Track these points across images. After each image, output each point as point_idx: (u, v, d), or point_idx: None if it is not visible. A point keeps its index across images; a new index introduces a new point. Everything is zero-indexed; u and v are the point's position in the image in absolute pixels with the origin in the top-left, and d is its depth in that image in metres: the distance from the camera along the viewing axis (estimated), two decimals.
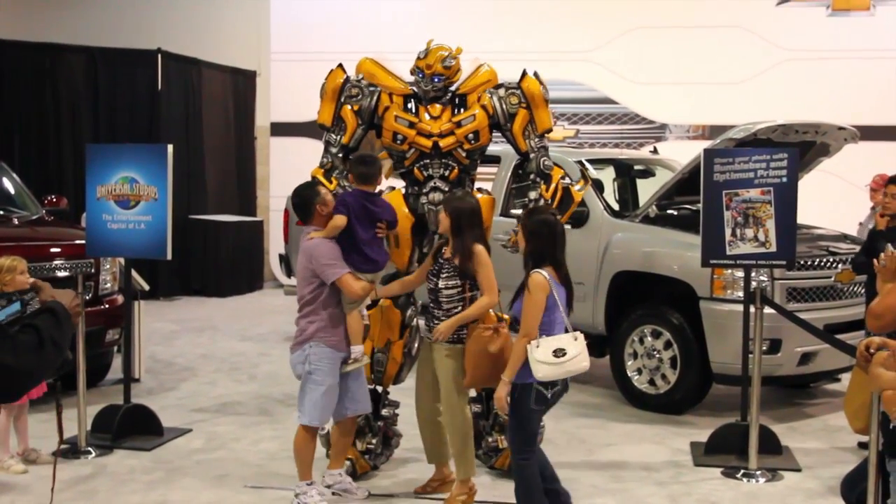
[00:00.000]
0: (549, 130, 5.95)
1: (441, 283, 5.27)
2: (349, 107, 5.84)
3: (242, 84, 15.11)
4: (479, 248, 5.23)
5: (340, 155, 5.85)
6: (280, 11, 14.83)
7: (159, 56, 13.21)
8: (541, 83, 5.86)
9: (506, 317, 5.41)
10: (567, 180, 5.97)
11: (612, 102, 13.87)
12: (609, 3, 13.79)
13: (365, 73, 5.98)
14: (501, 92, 5.86)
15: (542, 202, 5.72)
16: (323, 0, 14.72)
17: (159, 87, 13.24)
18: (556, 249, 4.83)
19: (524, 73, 5.89)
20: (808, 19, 13.26)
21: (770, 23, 13.32)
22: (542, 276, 4.71)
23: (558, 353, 4.64)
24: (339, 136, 5.86)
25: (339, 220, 5.31)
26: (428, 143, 5.71)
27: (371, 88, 5.86)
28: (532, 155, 5.88)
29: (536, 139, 5.88)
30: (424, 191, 5.76)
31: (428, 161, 5.77)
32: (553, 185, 5.82)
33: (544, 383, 4.69)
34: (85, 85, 13.06)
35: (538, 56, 12.54)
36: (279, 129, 14.94)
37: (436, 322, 5.31)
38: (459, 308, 5.26)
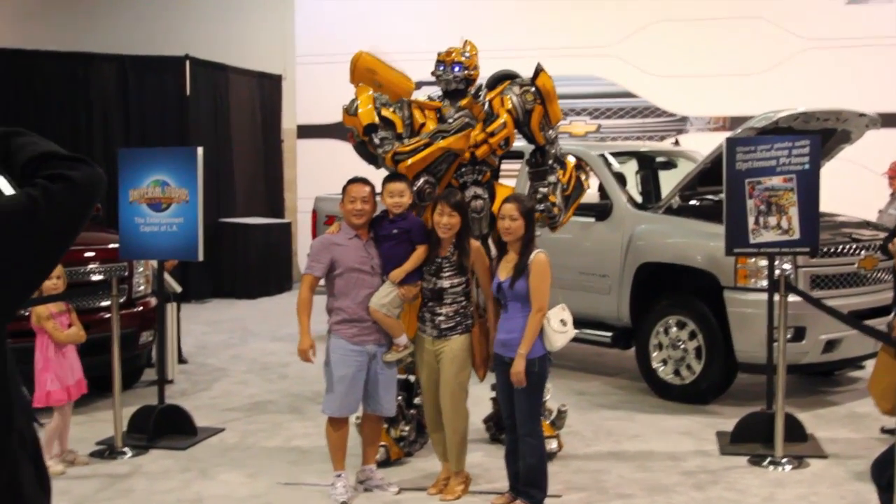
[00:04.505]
0: (560, 122, 6.24)
1: (446, 283, 5.39)
2: (388, 109, 5.91)
3: (268, 88, 15.26)
4: (477, 243, 5.52)
5: (405, 141, 5.86)
6: (304, 15, 15.00)
7: (187, 62, 13.36)
8: (549, 77, 6.07)
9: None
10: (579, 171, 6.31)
11: (632, 96, 13.91)
12: None
13: (364, 67, 6.09)
14: (517, 90, 6.01)
15: (559, 186, 6.05)
16: (346, 3, 14.86)
17: (188, 92, 13.40)
18: None
19: (538, 70, 6.03)
20: (827, 8, 13.20)
21: (788, 13, 13.28)
22: (546, 255, 5.07)
23: (564, 323, 5.05)
24: (391, 131, 5.87)
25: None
26: (466, 154, 5.85)
27: (398, 103, 5.96)
28: (547, 146, 6.12)
29: (551, 131, 6.11)
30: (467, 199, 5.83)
31: (463, 169, 5.92)
32: (569, 172, 6.16)
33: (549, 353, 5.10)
34: (116, 92, 13.25)
35: (558, 52, 12.64)
36: (305, 132, 15.11)
37: (438, 319, 5.42)
38: (464, 302, 5.44)
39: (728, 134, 7.40)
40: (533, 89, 5.98)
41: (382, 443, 5.95)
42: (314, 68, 14.62)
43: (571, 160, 6.31)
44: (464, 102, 5.88)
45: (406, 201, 5.50)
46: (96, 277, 7.59)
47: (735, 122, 12.22)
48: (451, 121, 5.81)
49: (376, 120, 5.88)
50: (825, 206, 6.64)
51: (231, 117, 14.35)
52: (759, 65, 13.19)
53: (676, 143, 10.15)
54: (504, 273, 5.14)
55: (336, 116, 6.36)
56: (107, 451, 6.48)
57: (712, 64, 13.32)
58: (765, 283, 6.69)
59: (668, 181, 8.69)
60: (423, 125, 5.90)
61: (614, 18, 13.84)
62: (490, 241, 5.73)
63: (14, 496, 2.05)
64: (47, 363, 6.09)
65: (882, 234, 7.64)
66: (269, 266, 14.20)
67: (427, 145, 5.73)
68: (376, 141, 5.88)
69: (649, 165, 9.14)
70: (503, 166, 6.53)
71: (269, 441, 6.77)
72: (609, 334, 8.07)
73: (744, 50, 13.28)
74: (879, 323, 6.84)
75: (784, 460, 6.09)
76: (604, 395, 7.95)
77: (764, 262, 6.79)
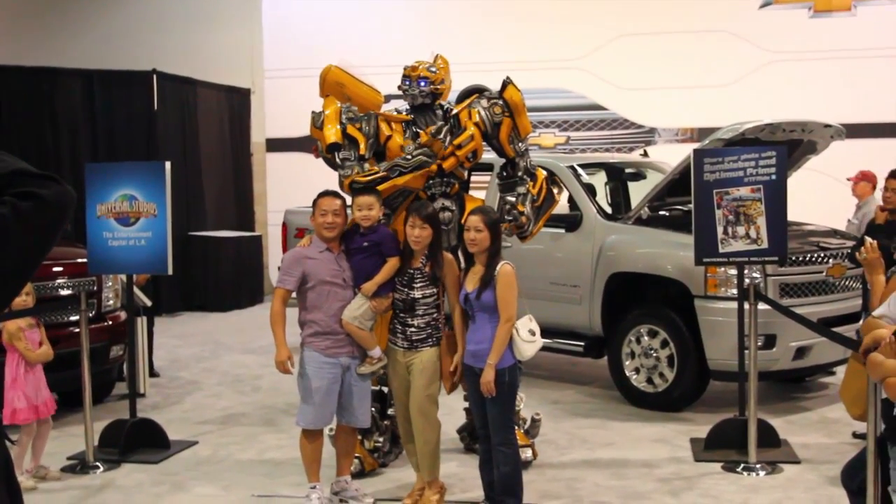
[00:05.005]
0: (529, 134, 6.24)
1: (418, 294, 5.38)
2: (353, 126, 5.87)
3: (237, 101, 15.22)
4: (449, 256, 5.53)
5: (366, 165, 5.82)
6: (272, 29, 14.99)
7: (154, 76, 13.30)
8: (518, 89, 6.05)
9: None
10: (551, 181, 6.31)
11: (601, 108, 14.03)
12: (596, 11, 13.93)
13: (333, 80, 6.07)
14: (484, 103, 6.02)
15: (529, 197, 6.03)
16: (314, 17, 14.86)
17: (155, 106, 13.34)
18: None
19: (505, 84, 6.04)
20: (791, 21, 13.40)
21: (754, 26, 13.46)
22: (512, 266, 5.10)
23: (532, 333, 5.09)
24: (353, 151, 5.83)
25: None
26: (433, 167, 5.85)
27: (365, 116, 5.93)
28: (517, 158, 6.12)
29: (520, 143, 6.12)
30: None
31: (431, 182, 5.93)
32: (539, 183, 6.14)
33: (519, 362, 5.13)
34: (82, 107, 13.15)
35: (527, 65, 12.72)
36: (274, 145, 15.10)
37: (409, 331, 5.40)
38: (435, 314, 5.43)
39: (696, 145, 7.47)
40: (501, 102, 6.00)
41: (357, 454, 5.94)
42: (283, 82, 14.61)
43: (542, 172, 6.32)
44: (424, 139, 5.86)
45: (375, 214, 5.50)
46: (65, 292, 7.54)
47: (702, 133, 12.35)
48: (408, 157, 5.79)
49: (340, 139, 5.85)
50: (793, 215, 6.72)
51: (199, 131, 14.28)
52: (726, 77, 13.34)
53: (645, 154, 10.22)
54: (471, 284, 5.16)
55: (305, 130, 6.34)
56: (78, 465, 6.41)
57: (680, 76, 13.46)
58: (735, 291, 6.76)
59: (637, 192, 8.73)
60: (389, 138, 5.90)
61: (582, 32, 13.94)
62: (459, 253, 5.74)
63: None
64: (15, 381, 6.03)
65: (849, 243, 7.75)
66: (241, 279, 14.15)
67: (384, 178, 5.72)
68: (338, 160, 5.86)
69: (618, 177, 9.19)
70: (474, 178, 6.56)
71: (243, 454, 6.73)
72: (581, 344, 8.10)
73: (710, 63, 13.43)
74: (848, 330, 6.93)
75: (758, 466, 6.13)
76: (577, 403, 7.98)
77: (733, 271, 6.86)
